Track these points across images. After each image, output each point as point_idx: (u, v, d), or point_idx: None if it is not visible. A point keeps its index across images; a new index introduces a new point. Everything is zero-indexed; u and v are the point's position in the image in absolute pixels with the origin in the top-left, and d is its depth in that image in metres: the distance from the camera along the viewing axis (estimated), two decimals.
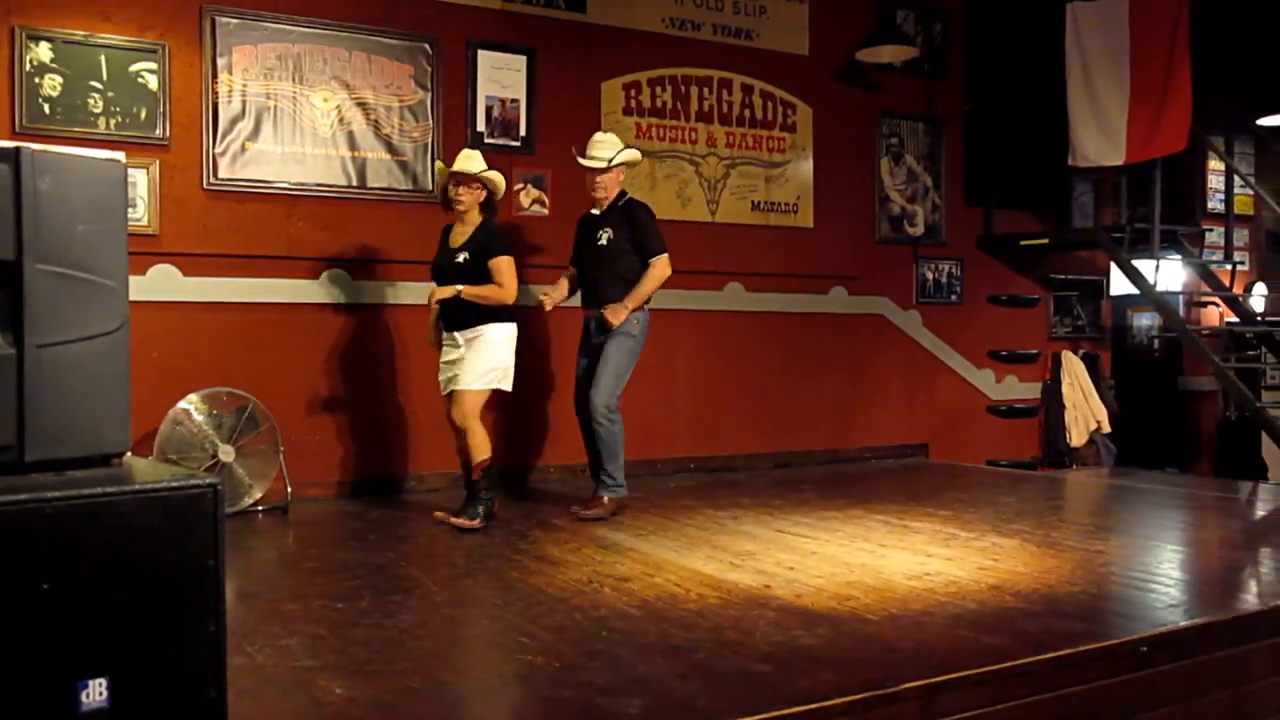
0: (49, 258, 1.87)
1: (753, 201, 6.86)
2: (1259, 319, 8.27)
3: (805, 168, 7.11)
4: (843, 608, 3.35)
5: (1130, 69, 6.73)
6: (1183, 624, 3.16)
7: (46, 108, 4.95)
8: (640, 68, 6.54)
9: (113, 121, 5.10)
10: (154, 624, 1.82)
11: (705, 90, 6.76)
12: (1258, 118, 8.29)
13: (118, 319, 1.97)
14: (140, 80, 5.16)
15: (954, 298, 7.82)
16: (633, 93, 6.52)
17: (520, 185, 6.09)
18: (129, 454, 2.05)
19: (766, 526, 4.84)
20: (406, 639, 3.03)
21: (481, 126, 6.00)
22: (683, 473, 6.52)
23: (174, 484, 1.86)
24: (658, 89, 6.61)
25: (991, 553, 4.21)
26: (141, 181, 5.13)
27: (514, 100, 6.10)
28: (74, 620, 1.74)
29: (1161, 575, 3.90)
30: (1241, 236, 9.21)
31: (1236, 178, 8.11)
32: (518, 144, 6.10)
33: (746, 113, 6.90)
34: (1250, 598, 3.77)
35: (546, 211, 6.17)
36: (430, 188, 5.82)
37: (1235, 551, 4.58)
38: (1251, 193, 8.72)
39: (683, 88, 6.69)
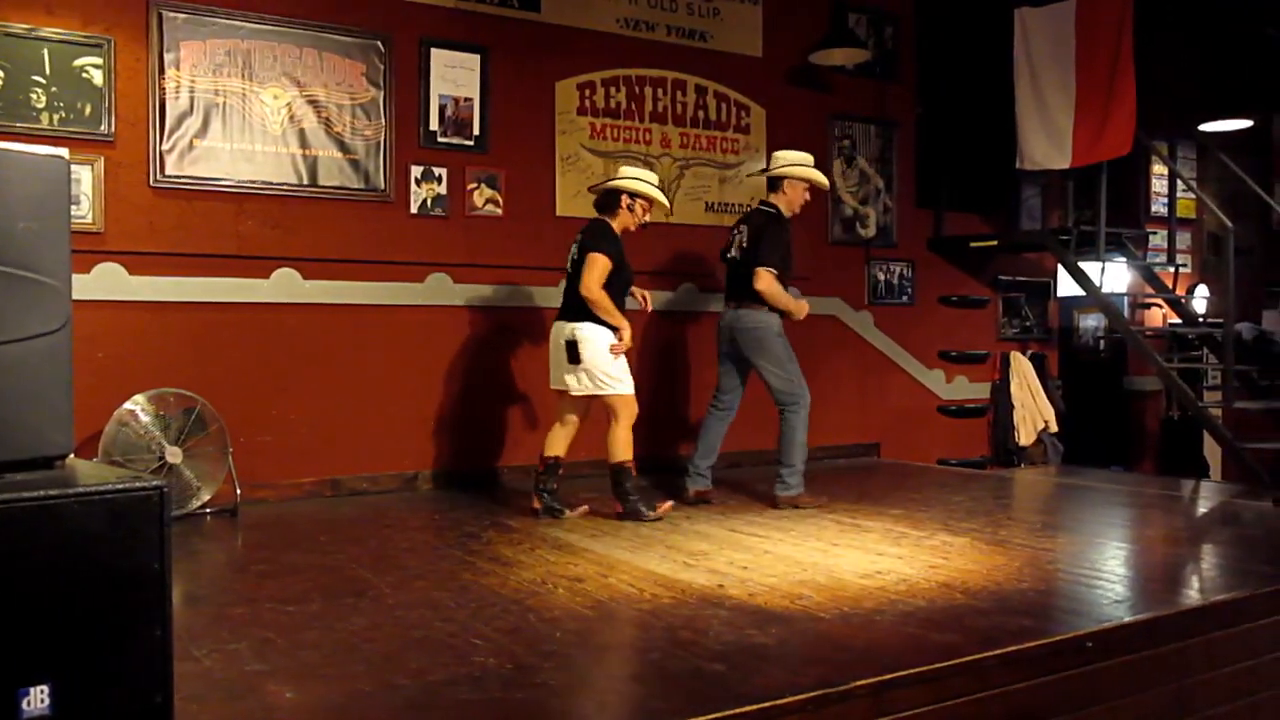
0: None
1: (706, 203, 6.89)
2: (1201, 320, 8.45)
3: (758, 169, 7.14)
4: (795, 606, 3.37)
5: (1076, 74, 6.82)
6: (1128, 620, 3.22)
7: None
8: (594, 68, 6.53)
9: (56, 117, 4.99)
10: (98, 629, 1.79)
11: (659, 91, 6.77)
12: (1200, 123, 8.46)
13: (60, 318, 1.93)
14: (85, 75, 5.06)
15: (905, 299, 7.91)
16: (587, 93, 6.52)
17: (474, 185, 6.06)
18: (72, 456, 2.01)
19: (720, 526, 4.86)
20: (358, 642, 3.01)
21: (434, 125, 5.96)
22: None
23: (119, 487, 1.82)
24: (612, 89, 6.60)
25: (942, 551, 4.27)
26: (86, 178, 5.04)
27: (467, 99, 6.06)
28: (15, 626, 1.71)
29: (1107, 572, 3.97)
30: (1184, 239, 9.41)
31: (1180, 182, 8.28)
32: (471, 143, 6.07)
33: (700, 114, 6.93)
34: (1193, 593, 3.84)
35: (500, 211, 6.15)
36: (383, 186, 5.78)
37: (1178, 548, 4.67)
38: (1194, 196, 8.91)
39: (637, 88, 6.69)
